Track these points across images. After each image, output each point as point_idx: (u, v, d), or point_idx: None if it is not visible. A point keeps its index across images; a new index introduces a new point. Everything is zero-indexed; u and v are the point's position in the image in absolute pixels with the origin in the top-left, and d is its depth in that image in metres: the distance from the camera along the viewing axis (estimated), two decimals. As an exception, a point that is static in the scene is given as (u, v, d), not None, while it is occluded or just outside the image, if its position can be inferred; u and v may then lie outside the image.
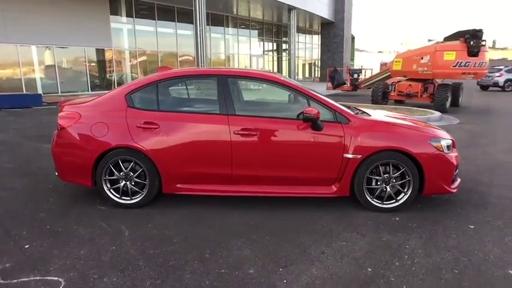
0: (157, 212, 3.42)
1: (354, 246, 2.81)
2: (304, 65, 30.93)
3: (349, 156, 3.32)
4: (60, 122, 3.45)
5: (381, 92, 12.09)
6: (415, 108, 10.67)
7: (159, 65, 20.01)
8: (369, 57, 49.89)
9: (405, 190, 3.41)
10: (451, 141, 3.51)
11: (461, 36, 9.88)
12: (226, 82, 3.44)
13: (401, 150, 3.30)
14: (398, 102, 12.62)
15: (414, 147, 3.31)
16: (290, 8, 20.42)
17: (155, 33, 18.01)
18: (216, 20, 20.41)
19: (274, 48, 27.88)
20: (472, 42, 9.62)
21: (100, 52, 16.46)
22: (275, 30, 26.97)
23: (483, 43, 9.74)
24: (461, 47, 9.79)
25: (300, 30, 23.80)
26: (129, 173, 3.41)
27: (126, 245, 2.80)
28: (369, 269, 2.49)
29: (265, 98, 4.01)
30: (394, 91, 11.75)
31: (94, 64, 16.48)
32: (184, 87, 3.87)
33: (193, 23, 19.32)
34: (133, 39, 17.28)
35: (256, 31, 25.10)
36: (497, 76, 20.80)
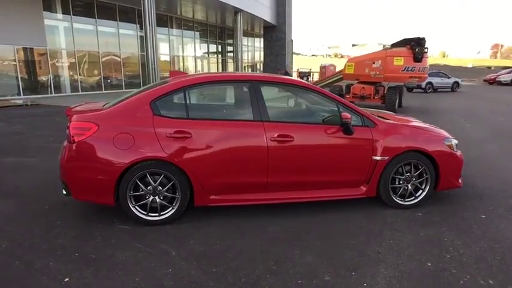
0: (189, 226, 3.20)
1: (401, 244, 2.97)
2: (246, 67, 31.26)
3: (378, 158, 3.49)
4: (74, 134, 3.04)
5: (338, 94, 12.81)
6: (369, 109, 11.54)
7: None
8: (304, 60, 52.32)
9: (423, 187, 3.70)
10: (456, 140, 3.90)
11: (408, 43, 10.95)
12: (259, 88, 3.37)
13: (422, 151, 3.58)
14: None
15: (432, 147, 3.61)
16: (236, 11, 20.52)
17: (95, 32, 16.62)
18: (161, 20, 19.55)
19: (219, 50, 27.72)
20: (417, 49, 10.72)
21: (33, 52, 14.65)
22: (219, 32, 26.82)
23: (425, 50, 10.92)
24: (408, 53, 10.86)
25: (244, 33, 24.02)
26: (158, 187, 3.14)
27: (182, 265, 2.58)
28: (429, 264, 2.66)
29: (280, 104, 3.99)
30: (349, 93, 12.55)
31: (26, 65, 14.61)
32: (212, 92, 3.67)
33: (136, 23, 18.38)
34: (71, 38, 15.70)
35: (201, 33, 24.68)
36: (420, 79, 23.34)
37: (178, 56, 22.65)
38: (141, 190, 3.13)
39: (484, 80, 34.81)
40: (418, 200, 3.69)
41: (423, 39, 10.82)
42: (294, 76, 18.48)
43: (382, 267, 2.60)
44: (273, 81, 3.68)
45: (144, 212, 3.17)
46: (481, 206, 3.78)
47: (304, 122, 3.48)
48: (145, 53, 14.70)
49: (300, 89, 3.57)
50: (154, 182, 3.13)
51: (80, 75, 16.40)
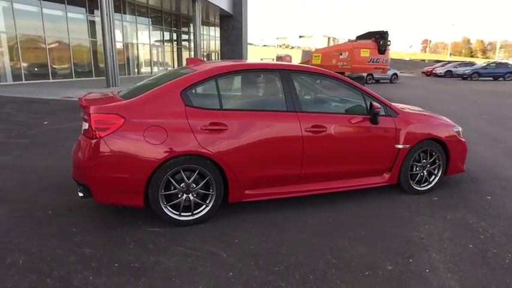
0: (224, 224, 3.01)
1: (436, 228, 3.08)
2: (202, 56, 30.43)
3: (400, 146, 3.58)
4: (97, 128, 2.66)
5: None
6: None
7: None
8: (256, 50, 52.39)
9: (435, 172, 3.88)
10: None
11: (372, 36, 11.44)
12: (290, 77, 3.24)
13: (437, 139, 3.74)
14: None
15: (445, 134, 3.80)
16: (194, -2, 19.80)
17: (40, 15, 14.91)
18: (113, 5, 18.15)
19: (174, 38, 26.57)
20: (381, 42, 11.25)
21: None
22: (174, 20, 25.66)
23: (389, 43, 11.50)
24: (373, 46, 11.36)
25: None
26: (192, 184, 2.90)
27: (241, 267, 2.41)
28: (470, 246, 2.80)
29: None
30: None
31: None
32: (242, 81, 3.43)
33: (86, 6, 16.83)
34: (12, 20, 13.91)
35: (155, 20, 23.40)
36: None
37: (132, 44, 21.28)
38: (173, 188, 2.87)
39: (422, 72, 37.90)
40: (432, 185, 3.87)
41: (386, 32, 11.37)
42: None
43: (433, 252, 2.67)
44: (304, 71, 3.56)
45: (176, 212, 2.91)
46: (481, 189, 4.06)
47: (334, 112, 3.43)
48: (102, 40, 13.71)
49: (329, 79, 3.51)
50: (188, 178, 2.88)
51: (22, 62, 14.64)
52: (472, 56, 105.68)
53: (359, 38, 12.17)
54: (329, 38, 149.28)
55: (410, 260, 2.56)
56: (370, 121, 3.43)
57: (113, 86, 13.89)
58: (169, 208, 2.88)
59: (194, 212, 2.96)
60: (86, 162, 2.70)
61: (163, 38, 24.97)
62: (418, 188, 3.81)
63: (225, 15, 26.74)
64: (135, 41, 21.58)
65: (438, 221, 3.21)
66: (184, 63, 27.84)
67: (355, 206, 3.46)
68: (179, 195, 2.89)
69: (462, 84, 23.90)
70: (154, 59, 23.85)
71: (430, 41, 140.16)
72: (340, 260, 2.53)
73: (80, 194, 2.86)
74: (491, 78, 29.05)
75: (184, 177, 2.86)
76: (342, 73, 12.53)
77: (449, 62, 41.11)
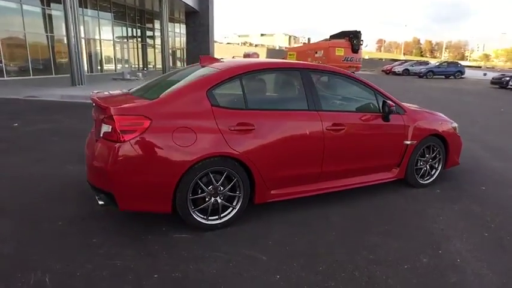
0: (251, 227, 2.95)
1: (450, 219, 3.24)
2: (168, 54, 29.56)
3: (408, 142, 3.73)
4: (123, 131, 2.49)
5: None
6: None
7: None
8: (221, 48, 51.92)
9: (436, 166, 4.09)
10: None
11: (346, 36, 11.79)
12: (310, 76, 3.24)
13: (439, 134, 3.94)
14: None
15: (446, 130, 4.01)
16: (160, -7, 19.15)
17: (-8, 7, 13.62)
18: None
19: (138, 34, 25.50)
20: (355, 41, 11.62)
21: None
22: (138, 16, 24.62)
23: (361, 42, 11.91)
24: (347, 45, 11.72)
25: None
26: (219, 186, 2.81)
27: (285, 268, 2.38)
28: (486, 234, 2.98)
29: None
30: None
31: None
32: (265, 81, 3.35)
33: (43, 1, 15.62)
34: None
35: (118, 15, 22.32)
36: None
37: (94, 40, 20.12)
38: (200, 192, 2.76)
39: (382, 71, 39.76)
40: (433, 178, 4.07)
41: (359, 32, 11.78)
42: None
43: (456, 242, 2.82)
44: (321, 70, 3.57)
45: (203, 217, 2.80)
46: (474, 179, 4.35)
47: (349, 110, 3.49)
48: (66, 35, 12.88)
49: (343, 78, 3.55)
50: (217, 181, 2.79)
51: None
52: (422, 56, 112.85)
53: (332, 37, 12.48)
54: (290, 37, 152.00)
55: (440, 252, 2.68)
56: (382, 119, 3.53)
57: (79, 85, 13.08)
58: (197, 213, 2.77)
59: (221, 216, 2.87)
60: (110, 167, 2.51)
61: (127, 34, 23.86)
62: (422, 182, 3.99)
63: (191, 12, 26.19)
64: (97, 37, 20.43)
65: (450, 212, 3.38)
66: (149, 59, 26.93)
67: (369, 201, 3.55)
68: (206, 199, 2.79)
69: (421, 82, 25.41)
70: (118, 55, 22.75)
71: (385, 41, 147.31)
72: (377, 256, 2.58)
73: (100, 202, 2.66)
74: (443, 77, 31.18)
75: (213, 179, 2.76)
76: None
77: (405, 61, 43.49)
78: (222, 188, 2.83)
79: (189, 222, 2.77)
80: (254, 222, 3.03)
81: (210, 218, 2.83)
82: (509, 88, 19.31)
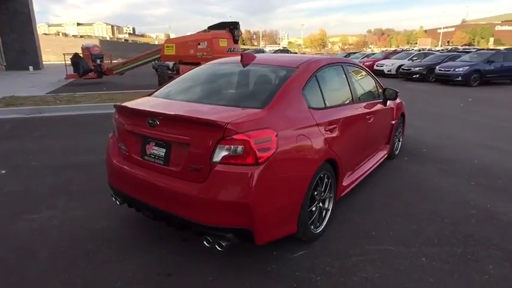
0: (335, 234, 2.92)
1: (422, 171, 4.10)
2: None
3: (393, 122, 4.41)
4: (259, 149, 2.03)
5: (168, 76, 12.16)
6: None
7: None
8: (44, 39, 42.77)
9: (400, 138, 4.98)
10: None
11: (226, 26, 11.96)
12: (348, 70, 3.41)
13: (403, 112, 4.81)
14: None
15: (404, 111, 4.91)
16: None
17: None
18: None
19: None
20: (235, 32, 11.94)
21: None
22: None
23: (241, 33, 12.34)
24: (229, 36, 11.91)
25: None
26: (322, 191, 2.67)
27: (414, 249, 2.55)
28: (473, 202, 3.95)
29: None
30: (178, 74, 12.23)
31: None
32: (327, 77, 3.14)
33: None
34: None
35: None
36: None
37: None
38: (311, 202, 2.55)
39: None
40: (399, 147, 4.95)
41: (238, 23, 12.16)
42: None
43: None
44: (350, 64, 3.65)
45: (312, 227, 2.62)
46: (415, 155, 5.50)
47: (370, 99, 3.76)
48: None
49: (360, 69, 3.83)
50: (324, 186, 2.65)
51: None
52: (244, 44, 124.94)
53: (211, 28, 12.40)
54: (113, 26, 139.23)
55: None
56: (383, 104, 4.03)
57: None
58: (310, 224, 2.56)
59: (322, 221, 2.75)
60: (250, 199, 2.01)
61: None
62: (396, 152, 4.80)
63: (1, -5, 20.46)
64: None
65: (424, 169, 4.25)
66: None
67: (383, 177, 4.05)
68: (313, 208, 2.61)
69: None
70: None
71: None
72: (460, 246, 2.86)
73: (224, 244, 2.10)
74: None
75: (320, 185, 2.60)
76: (198, 63, 12.55)
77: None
78: (322, 193, 2.69)
79: (305, 236, 2.53)
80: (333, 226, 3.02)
81: (311, 225, 2.66)
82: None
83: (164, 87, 3.11)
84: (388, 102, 4.18)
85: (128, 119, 2.51)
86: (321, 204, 2.69)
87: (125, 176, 2.50)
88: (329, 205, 2.83)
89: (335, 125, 2.79)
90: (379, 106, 3.87)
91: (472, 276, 2.30)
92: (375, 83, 4.05)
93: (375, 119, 3.72)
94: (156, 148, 2.33)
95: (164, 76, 12.03)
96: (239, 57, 3.06)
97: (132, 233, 2.79)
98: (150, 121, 2.27)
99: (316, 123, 2.54)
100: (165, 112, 2.27)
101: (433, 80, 15.85)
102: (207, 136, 2.06)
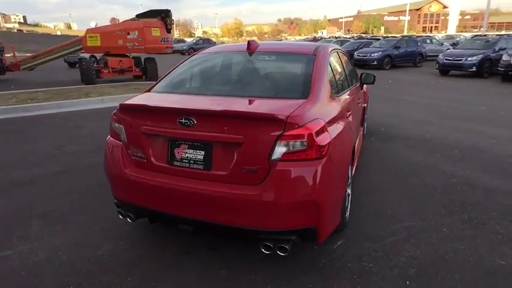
0: (359, 219, 3.00)
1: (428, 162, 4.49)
2: None
3: (365, 105, 4.65)
4: (320, 141, 1.92)
5: (95, 70, 10.80)
6: (129, 82, 10.91)
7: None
8: None
9: (366, 118, 5.29)
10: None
11: (158, 15, 11.14)
12: (342, 55, 3.45)
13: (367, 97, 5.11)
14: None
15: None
16: None
17: None
18: None
19: None
20: (168, 20, 11.20)
21: None
22: None
23: (173, 22, 11.63)
24: (161, 24, 11.12)
25: None
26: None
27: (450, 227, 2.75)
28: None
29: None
30: (106, 68, 10.97)
31: None
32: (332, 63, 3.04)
33: None
34: None
35: None
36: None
37: None
38: (346, 187, 2.55)
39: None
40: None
41: (169, 11, 11.42)
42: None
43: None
44: (339, 49, 3.63)
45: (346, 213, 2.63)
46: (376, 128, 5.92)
47: (354, 84, 3.84)
48: None
49: (345, 55, 3.88)
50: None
51: None
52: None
53: (140, 16, 11.41)
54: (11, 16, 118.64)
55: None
56: (360, 87, 4.20)
57: None
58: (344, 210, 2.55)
59: (348, 207, 2.77)
60: (317, 195, 1.88)
61: None
62: (364, 133, 5.09)
63: None
64: None
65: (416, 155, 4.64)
66: None
67: (366, 156, 4.27)
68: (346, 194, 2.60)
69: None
70: None
71: (118, 20, 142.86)
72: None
73: (287, 247, 1.95)
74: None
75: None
76: (123, 56, 11.47)
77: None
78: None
79: (342, 225, 2.50)
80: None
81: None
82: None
83: (165, 81, 2.71)
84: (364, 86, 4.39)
85: (146, 120, 2.14)
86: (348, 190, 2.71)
87: (143, 187, 2.14)
88: (348, 203, 2.86)
89: (349, 110, 2.80)
90: (358, 90, 4.03)
91: (490, 238, 2.57)
92: (353, 67, 4.19)
93: (359, 103, 3.87)
94: (191, 151, 2.04)
95: (90, 70, 10.75)
96: (244, 45, 2.83)
97: (150, 251, 2.43)
98: (184, 120, 1.97)
99: (342, 110, 2.51)
100: (210, 109, 1.98)
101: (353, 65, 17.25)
102: (263, 132, 1.86)
